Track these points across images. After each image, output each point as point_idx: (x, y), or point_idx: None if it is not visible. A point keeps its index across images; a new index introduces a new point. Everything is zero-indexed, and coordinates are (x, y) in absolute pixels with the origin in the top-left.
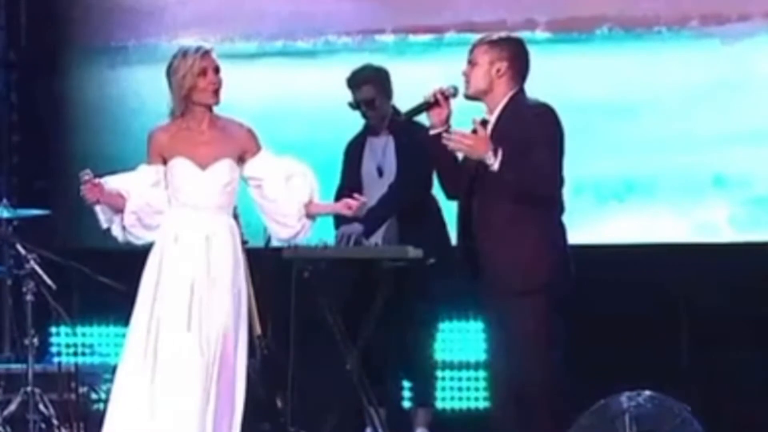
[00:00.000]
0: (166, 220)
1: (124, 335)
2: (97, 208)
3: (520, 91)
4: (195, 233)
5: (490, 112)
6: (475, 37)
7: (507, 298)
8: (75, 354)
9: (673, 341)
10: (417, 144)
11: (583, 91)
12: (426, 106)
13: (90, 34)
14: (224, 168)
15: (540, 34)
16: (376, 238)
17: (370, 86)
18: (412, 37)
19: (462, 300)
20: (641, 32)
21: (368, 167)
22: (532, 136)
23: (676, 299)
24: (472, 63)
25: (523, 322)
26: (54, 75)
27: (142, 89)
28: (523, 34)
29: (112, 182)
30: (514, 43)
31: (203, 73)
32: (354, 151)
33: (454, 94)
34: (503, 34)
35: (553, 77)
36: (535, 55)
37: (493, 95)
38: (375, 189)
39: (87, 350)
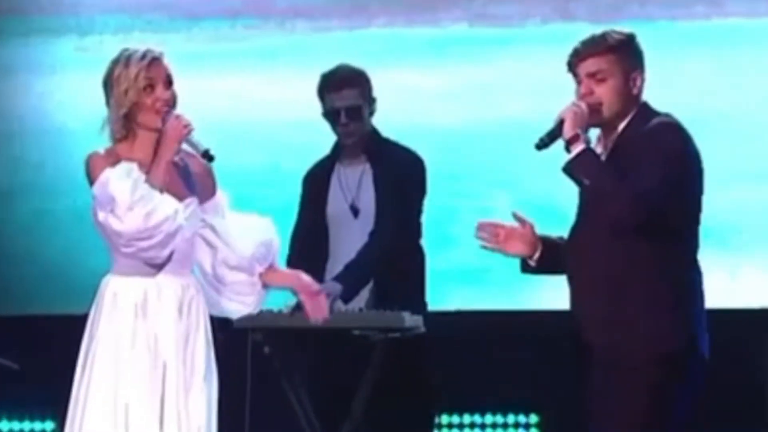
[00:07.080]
0: (113, 284)
1: None
2: None
3: (644, 102)
4: (166, 301)
5: (605, 136)
6: (491, 33)
7: (610, 375)
8: None
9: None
10: (403, 173)
11: None
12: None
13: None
14: (194, 211)
15: (579, 26)
16: (358, 301)
17: (354, 90)
18: (407, 31)
19: (467, 385)
20: (713, 22)
21: (337, 204)
22: (637, 157)
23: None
24: (598, 78)
25: (627, 404)
26: None
27: (75, 99)
28: (560, 29)
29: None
30: (636, 40)
31: (150, 86)
32: (317, 183)
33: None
34: (617, 30)
35: None
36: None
37: (620, 116)
38: (347, 233)
39: None
